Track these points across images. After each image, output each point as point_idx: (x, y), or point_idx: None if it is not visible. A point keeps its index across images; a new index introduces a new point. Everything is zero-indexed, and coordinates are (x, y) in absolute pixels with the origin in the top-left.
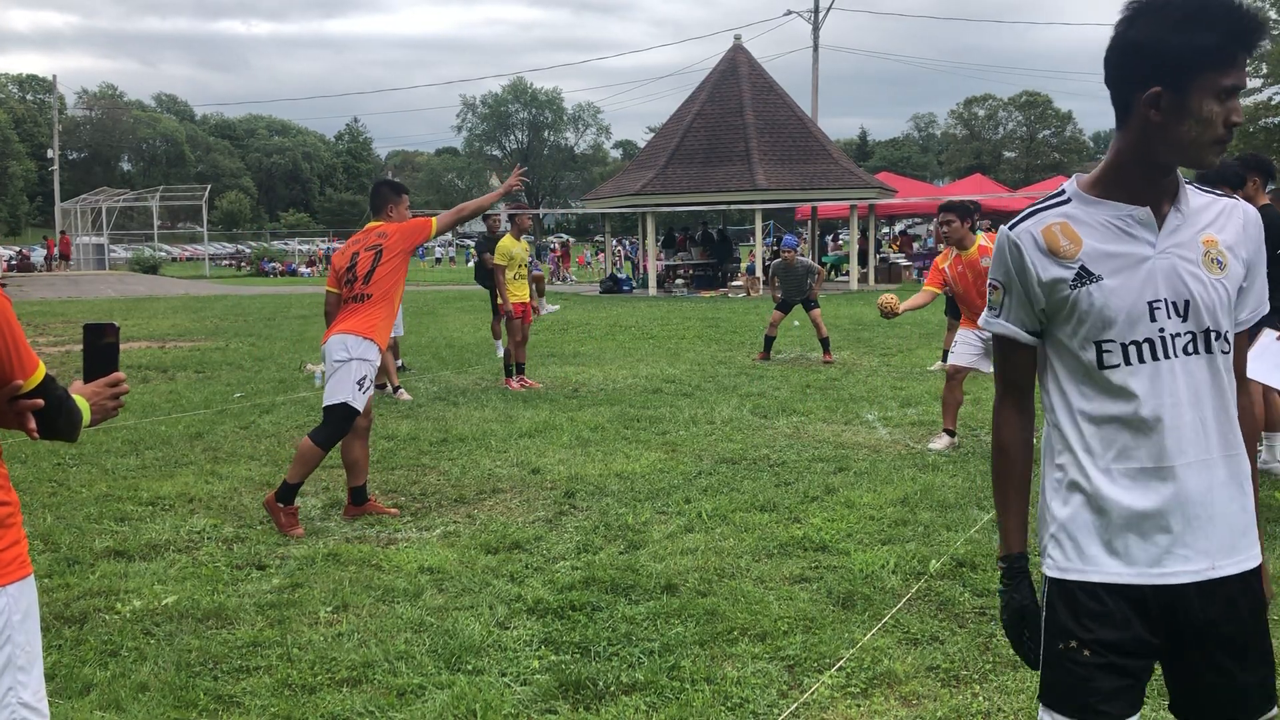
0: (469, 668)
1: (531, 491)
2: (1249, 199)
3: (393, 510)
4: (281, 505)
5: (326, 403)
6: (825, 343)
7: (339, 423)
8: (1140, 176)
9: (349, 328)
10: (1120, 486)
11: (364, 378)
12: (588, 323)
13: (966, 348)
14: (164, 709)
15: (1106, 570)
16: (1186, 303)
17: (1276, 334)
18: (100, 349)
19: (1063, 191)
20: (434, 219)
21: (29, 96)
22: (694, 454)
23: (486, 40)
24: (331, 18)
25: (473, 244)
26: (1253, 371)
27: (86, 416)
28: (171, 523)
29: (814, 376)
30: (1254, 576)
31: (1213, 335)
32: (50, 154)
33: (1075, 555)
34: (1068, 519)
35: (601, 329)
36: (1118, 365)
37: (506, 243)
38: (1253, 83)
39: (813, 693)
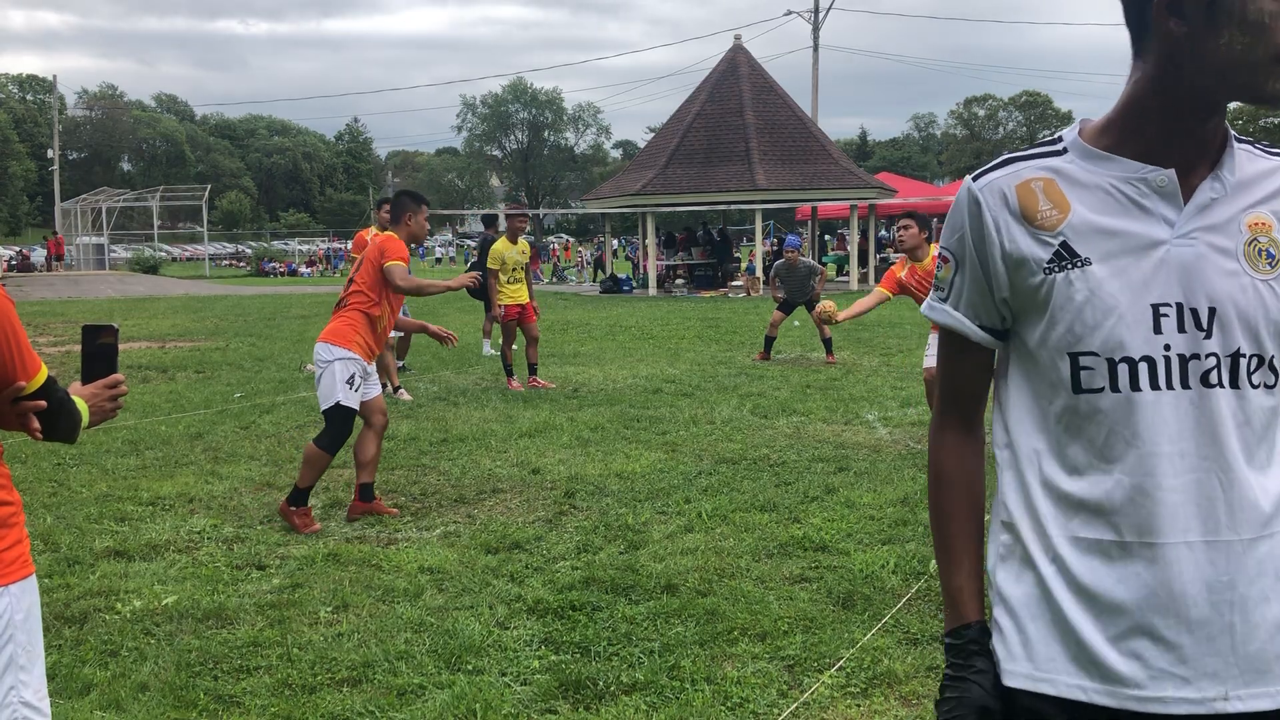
0: (469, 668)
1: (531, 491)
2: None
3: (393, 510)
4: (294, 509)
5: (322, 407)
6: (828, 343)
7: (339, 424)
8: (1163, 123)
9: (325, 334)
10: (1089, 565)
11: (351, 375)
12: (588, 323)
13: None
14: (164, 709)
15: (1065, 681)
16: (1211, 311)
17: None
18: (99, 350)
19: (1059, 139)
20: (395, 265)
21: (29, 96)
22: (694, 454)
23: (484, 40)
24: (329, 17)
25: (473, 244)
26: None
27: (85, 418)
28: (171, 523)
29: (814, 376)
30: None
31: (1246, 361)
32: (50, 154)
33: (1023, 652)
34: (1019, 601)
35: (601, 329)
36: (1101, 390)
37: (499, 246)
38: None
39: (813, 693)
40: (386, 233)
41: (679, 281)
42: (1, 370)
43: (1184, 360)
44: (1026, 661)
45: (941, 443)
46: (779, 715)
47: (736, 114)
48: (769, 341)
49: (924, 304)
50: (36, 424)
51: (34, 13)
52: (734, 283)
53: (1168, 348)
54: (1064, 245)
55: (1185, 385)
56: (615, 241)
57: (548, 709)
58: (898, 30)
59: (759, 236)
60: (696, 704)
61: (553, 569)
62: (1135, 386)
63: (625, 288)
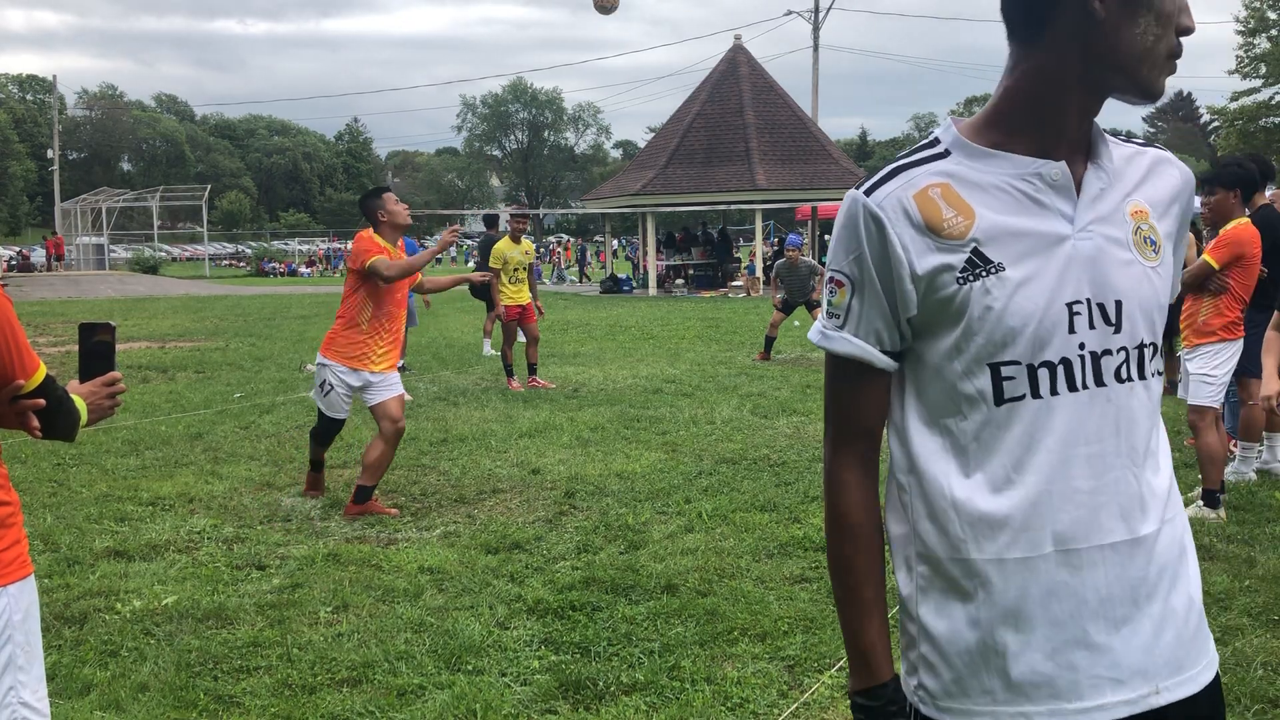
0: (469, 668)
1: (531, 491)
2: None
3: (392, 511)
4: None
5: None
6: None
7: (320, 423)
8: (1055, 115)
9: (322, 351)
10: (1019, 585)
11: (322, 381)
12: (588, 323)
13: None
14: (164, 709)
15: (1006, 711)
16: (1118, 304)
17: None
18: (96, 348)
19: (937, 140)
20: (375, 261)
21: (29, 96)
22: (694, 454)
23: (483, 40)
24: (328, 17)
25: (473, 243)
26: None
27: (84, 416)
28: (171, 523)
29: (814, 376)
30: (1213, 694)
31: (1147, 352)
32: (50, 154)
33: (957, 689)
34: (947, 636)
35: (601, 329)
36: (1022, 397)
37: (502, 246)
38: (1253, 83)
39: (813, 693)
40: (358, 234)
41: (679, 281)
42: (0, 369)
43: (1096, 357)
44: (963, 698)
45: (842, 484)
46: (779, 715)
47: (736, 114)
48: (769, 342)
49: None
50: (36, 422)
51: (32, 12)
52: (734, 283)
53: (1082, 346)
54: (975, 252)
55: (1100, 383)
56: (615, 241)
57: (548, 709)
58: (898, 30)
59: (759, 236)
60: (696, 704)
61: (553, 569)
62: (1054, 390)
63: (625, 288)
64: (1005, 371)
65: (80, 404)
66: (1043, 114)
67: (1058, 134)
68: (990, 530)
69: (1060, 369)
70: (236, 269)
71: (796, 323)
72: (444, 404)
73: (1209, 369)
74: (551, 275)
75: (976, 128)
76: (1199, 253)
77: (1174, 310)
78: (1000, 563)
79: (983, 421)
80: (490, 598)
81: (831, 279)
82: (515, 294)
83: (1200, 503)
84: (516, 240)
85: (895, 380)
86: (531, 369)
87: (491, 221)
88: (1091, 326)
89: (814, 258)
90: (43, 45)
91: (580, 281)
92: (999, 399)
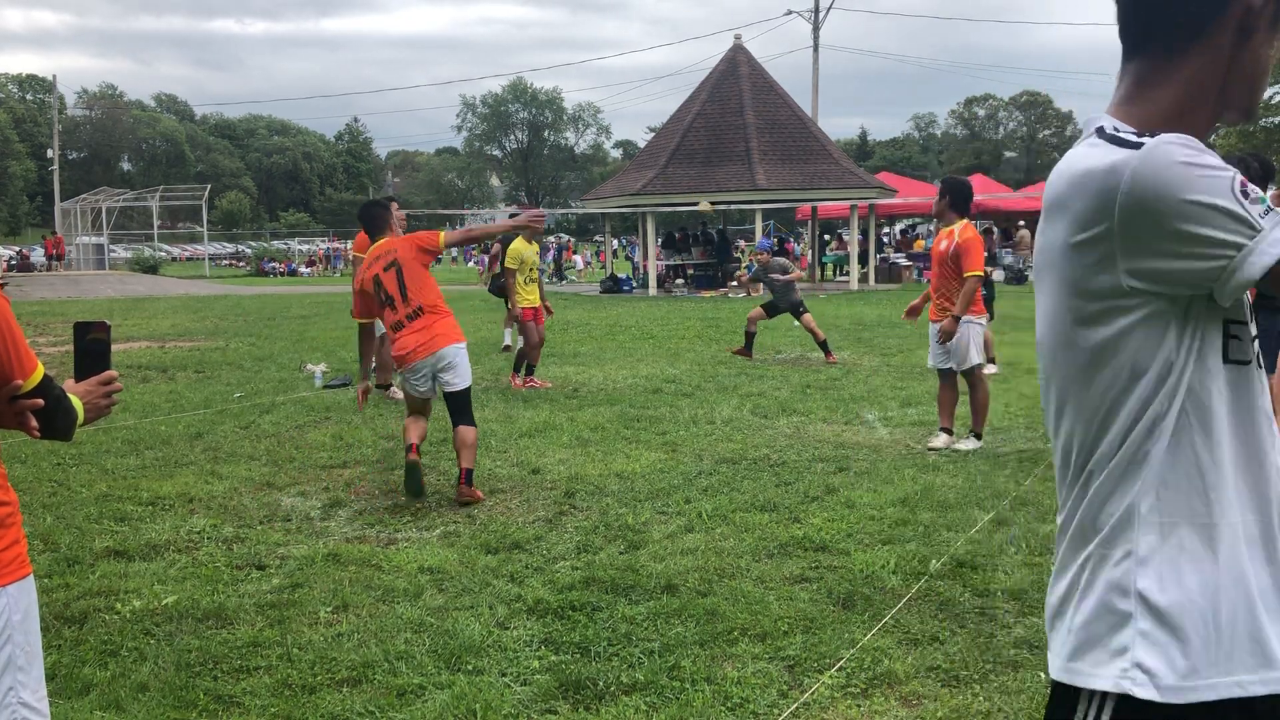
0: (469, 668)
1: (531, 491)
2: None
3: (477, 495)
4: (470, 487)
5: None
6: (824, 345)
7: (466, 393)
8: (1194, 126)
9: (451, 339)
10: (1251, 552)
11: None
12: (588, 323)
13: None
14: (164, 709)
15: (1246, 679)
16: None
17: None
18: (91, 347)
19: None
20: (441, 234)
21: (29, 96)
22: (694, 454)
23: (482, 39)
24: (326, 16)
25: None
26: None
27: (80, 415)
28: (171, 523)
29: (814, 376)
30: None
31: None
32: (50, 154)
33: (1193, 661)
34: (1180, 606)
35: (601, 329)
36: (1247, 363)
37: (518, 245)
38: None
39: (813, 693)
40: (400, 236)
41: (679, 281)
42: None
43: (1254, 339)
44: (1210, 668)
45: None
46: (779, 715)
47: (737, 114)
48: (749, 337)
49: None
50: (34, 422)
51: (30, 12)
52: (734, 283)
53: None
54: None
55: (1259, 364)
56: (616, 241)
57: (548, 709)
58: (898, 30)
59: (759, 237)
60: (696, 704)
61: (553, 569)
62: (1257, 362)
63: (625, 288)
64: (1233, 331)
65: (77, 403)
66: (1183, 125)
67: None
68: (1234, 494)
69: (1253, 345)
70: (236, 269)
71: (796, 323)
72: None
73: None
74: (551, 274)
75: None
76: None
77: None
78: (1239, 527)
79: (1227, 380)
80: (490, 598)
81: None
82: (530, 295)
83: None
84: (530, 240)
85: (1167, 319)
86: (529, 369)
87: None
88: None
89: (814, 258)
90: (41, 44)
91: (558, 282)
92: (1226, 356)
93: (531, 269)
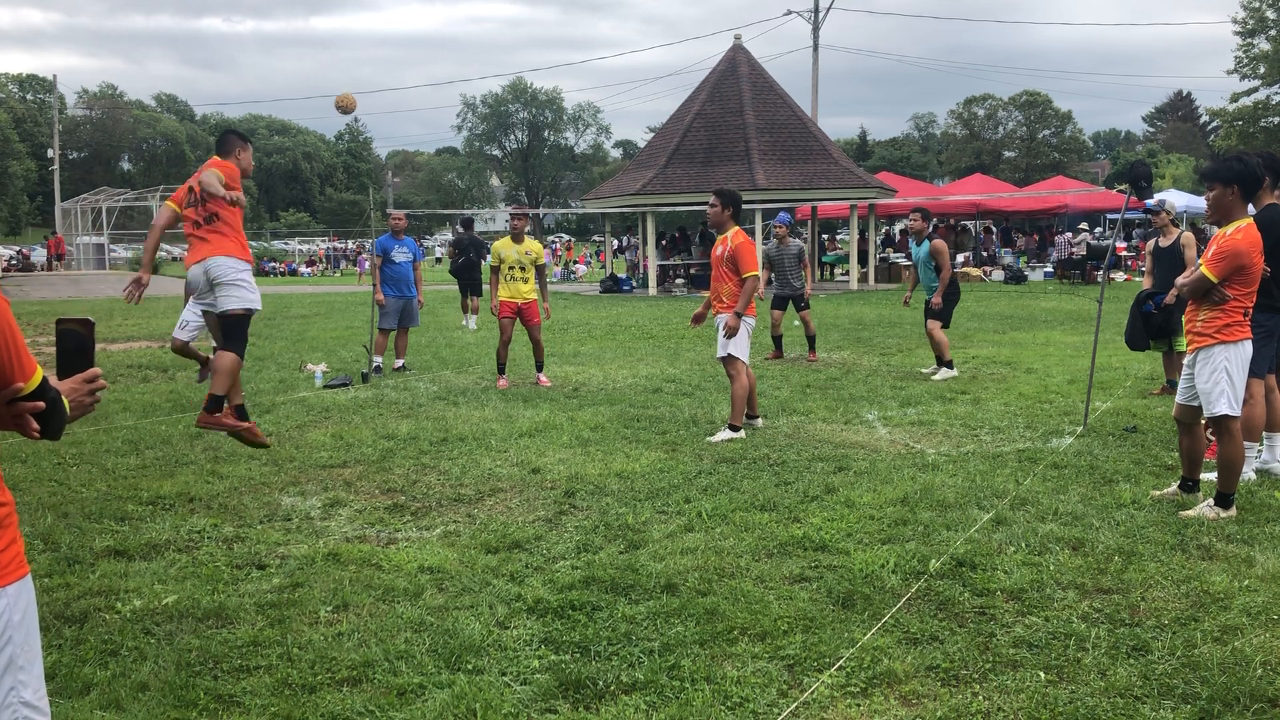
0: (469, 667)
1: (531, 491)
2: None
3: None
4: (216, 414)
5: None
6: (811, 340)
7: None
8: None
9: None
10: None
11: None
12: (588, 323)
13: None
14: (164, 709)
15: None
16: None
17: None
18: (75, 345)
19: None
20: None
21: (29, 96)
22: (694, 454)
23: (474, 38)
24: (316, 14)
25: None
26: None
27: (66, 413)
28: (171, 522)
29: (814, 376)
30: None
31: None
32: (50, 154)
33: None
34: None
35: (601, 329)
36: None
37: (499, 245)
38: (1252, 83)
39: (813, 692)
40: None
41: (679, 281)
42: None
43: None
44: None
45: None
46: (779, 715)
47: (736, 114)
48: (777, 340)
49: None
50: (35, 424)
51: (18, 10)
52: None
53: None
54: None
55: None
56: (616, 241)
57: (548, 709)
58: (898, 30)
59: (759, 237)
60: (696, 704)
61: (553, 569)
62: None
63: (625, 288)
64: None
65: (63, 401)
66: None
67: None
68: None
69: None
70: None
71: (795, 322)
72: (444, 403)
73: (1212, 377)
74: (552, 274)
75: None
76: (1198, 253)
77: (1176, 311)
78: None
79: None
80: (490, 597)
81: None
82: (511, 292)
83: (1210, 502)
84: (518, 240)
85: None
86: (538, 365)
87: (469, 223)
88: None
89: (814, 258)
90: (31, 44)
91: (635, 274)
92: None
93: (511, 268)
